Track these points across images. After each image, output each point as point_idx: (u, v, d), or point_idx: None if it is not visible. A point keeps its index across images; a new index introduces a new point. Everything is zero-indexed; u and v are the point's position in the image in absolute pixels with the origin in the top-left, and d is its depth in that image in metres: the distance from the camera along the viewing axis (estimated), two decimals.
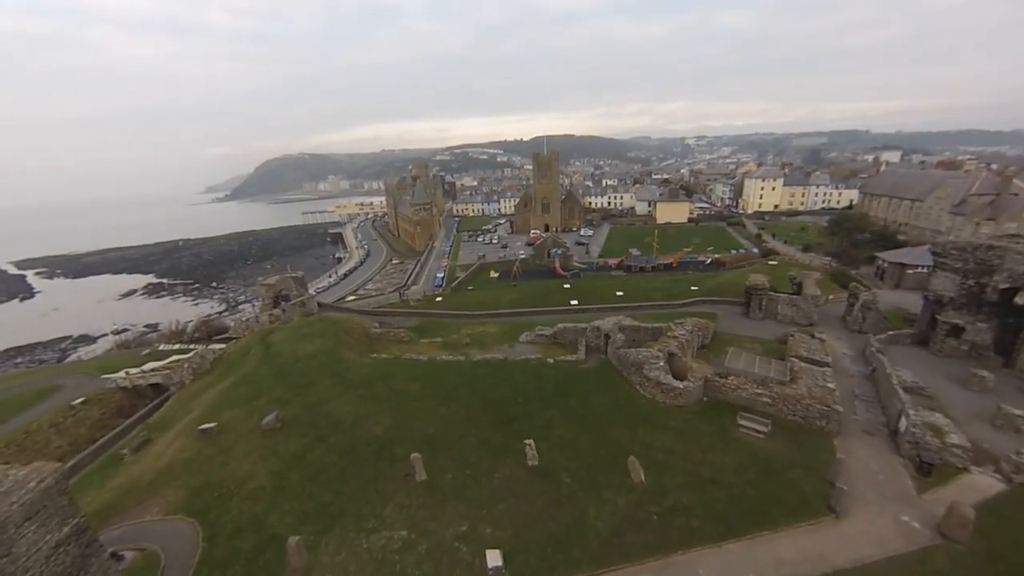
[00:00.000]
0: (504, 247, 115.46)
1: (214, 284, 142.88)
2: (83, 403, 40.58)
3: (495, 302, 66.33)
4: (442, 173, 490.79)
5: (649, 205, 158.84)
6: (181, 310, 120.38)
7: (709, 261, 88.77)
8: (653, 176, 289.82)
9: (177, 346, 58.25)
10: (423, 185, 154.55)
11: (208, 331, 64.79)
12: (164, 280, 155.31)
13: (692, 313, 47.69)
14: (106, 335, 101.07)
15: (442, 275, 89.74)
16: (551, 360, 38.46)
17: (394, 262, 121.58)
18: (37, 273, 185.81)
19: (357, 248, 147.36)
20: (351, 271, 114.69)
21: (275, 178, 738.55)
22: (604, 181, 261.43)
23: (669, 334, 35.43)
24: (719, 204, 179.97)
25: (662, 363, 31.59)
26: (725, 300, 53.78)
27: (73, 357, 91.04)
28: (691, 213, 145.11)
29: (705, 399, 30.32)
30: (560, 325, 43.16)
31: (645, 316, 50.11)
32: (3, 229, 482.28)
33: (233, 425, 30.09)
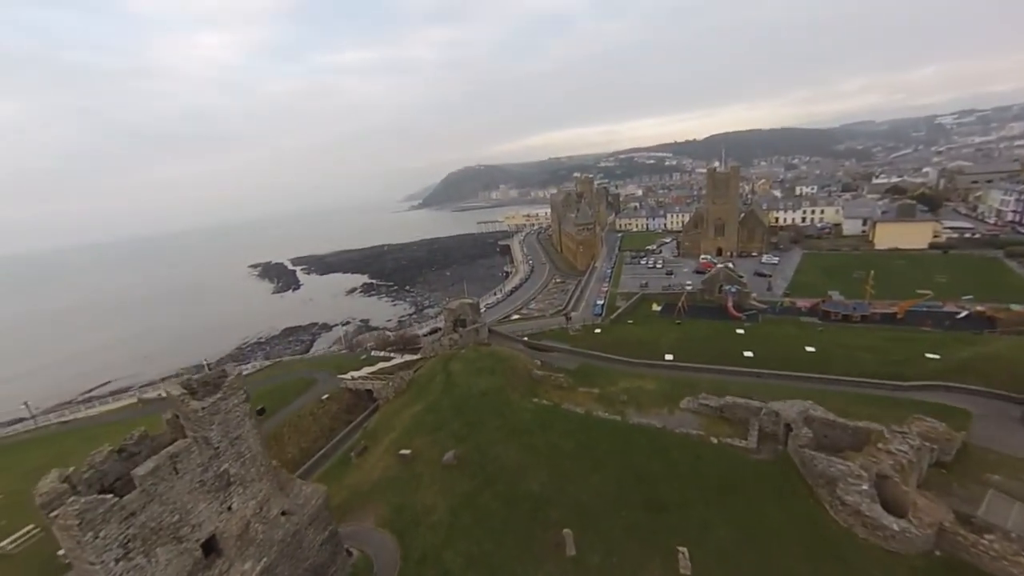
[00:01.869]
0: (669, 274, 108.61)
1: (407, 288, 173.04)
2: (327, 398, 54.91)
3: (656, 341, 63.64)
4: (605, 181, 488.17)
5: (864, 224, 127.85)
6: (384, 308, 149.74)
7: (964, 315, 65.41)
8: (875, 180, 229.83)
9: (383, 353, 73.07)
10: (587, 203, 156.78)
11: (404, 342, 79.27)
12: (374, 281, 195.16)
13: (924, 405, 37.22)
14: (338, 325, 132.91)
15: (602, 303, 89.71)
16: (715, 440, 35.39)
17: (556, 280, 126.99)
18: (303, 269, 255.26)
19: (522, 262, 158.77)
20: (516, 288, 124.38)
21: (457, 188, 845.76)
22: (799, 189, 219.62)
23: (882, 446, 28.59)
24: (993, 221, 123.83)
25: (867, 486, 25.90)
26: (989, 390, 39.78)
27: (319, 341, 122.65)
28: (936, 236, 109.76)
29: (938, 553, 23.61)
30: (728, 398, 39.11)
31: (846, 398, 41.41)
32: (278, 231, 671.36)
33: (422, 453, 36.73)
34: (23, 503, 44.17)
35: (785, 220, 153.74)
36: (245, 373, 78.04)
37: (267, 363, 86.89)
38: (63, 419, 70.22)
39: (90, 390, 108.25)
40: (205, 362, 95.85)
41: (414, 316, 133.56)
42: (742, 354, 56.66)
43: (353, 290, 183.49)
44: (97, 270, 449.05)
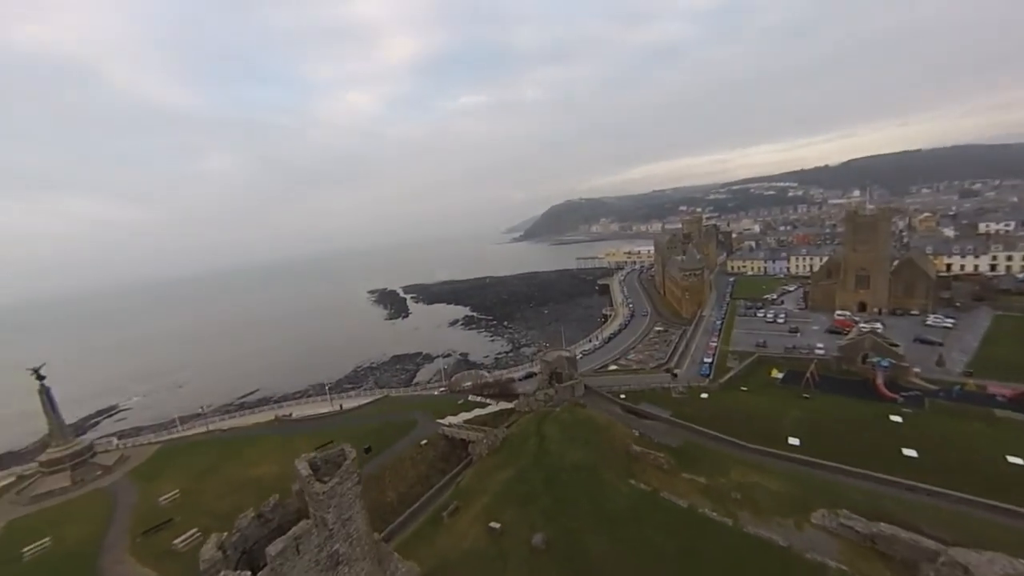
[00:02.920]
0: (794, 331, 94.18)
1: (506, 323, 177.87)
2: (425, 444, 57.73)
3: (777, 419, 55.26)
4: (715, 215, 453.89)
5: None
6: (482, 343, 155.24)
7: None
8: None
9: (479, 398, 75.07)
10: (695, 246, 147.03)
11: (500, 389, 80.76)
12: (475, 314, 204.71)
13: None
14: (439, 357, 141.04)
15: (710, 361, 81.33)
16: None
17: (657, 329, 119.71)
18: (412, 298, 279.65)
19: (622, 305, 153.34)
20: (614, 334, 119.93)
21: (557, 220, 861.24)
22: (983, 225, 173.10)
23: None
24: None
25: None
26: None
27: (422, 372, 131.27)
28: None
29: None
30: (883, 525, 31.59)
31: None
32: (398, 257, 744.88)
33: (511, 528, 36.06)
34: (194, 502, 53.58)
35: (963, 268, 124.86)
36: (360, 404, 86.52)
37: (376, 395, 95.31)
38: (221, 428, 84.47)
39: (243, 396, 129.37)
40: (287, 415, 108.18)
41: (511, 354, 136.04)
42: (899, 453, 45.96)
43: (455, 322, 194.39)
44: (257, 287, 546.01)
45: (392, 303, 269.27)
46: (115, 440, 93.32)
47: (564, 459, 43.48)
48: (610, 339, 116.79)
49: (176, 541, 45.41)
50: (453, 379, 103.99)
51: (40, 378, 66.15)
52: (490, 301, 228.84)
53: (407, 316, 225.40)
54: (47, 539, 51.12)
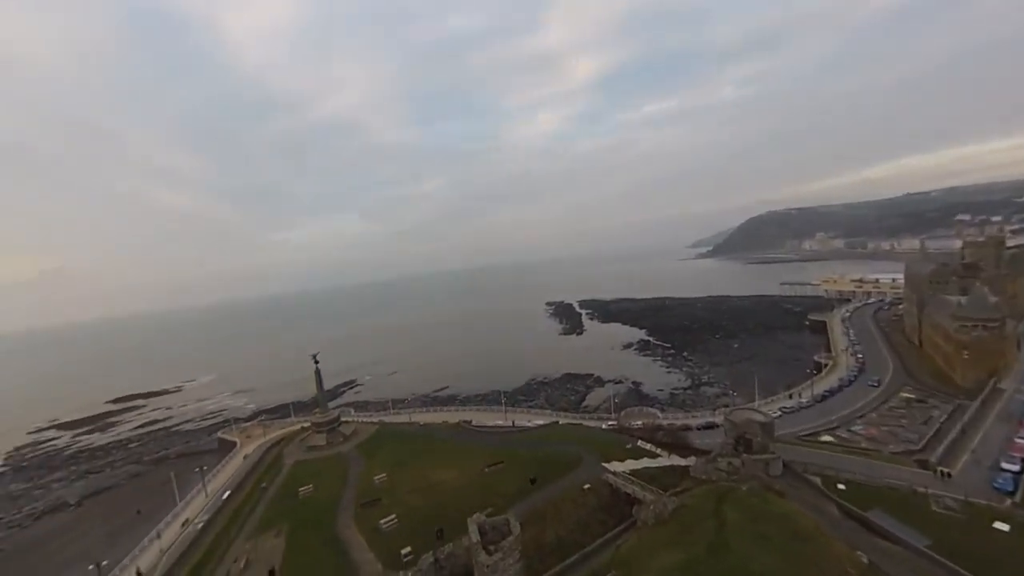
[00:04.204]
0: None
1: (685, 354, 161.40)
2: (588, 489, 56.31)
3: None
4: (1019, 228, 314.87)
5: None
6: (657, 374, 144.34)
7: None
8: None
9: (648, 446, 69.42)
10: (987, 282, 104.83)
11: (673, 438, 73.10)
12: (651, 339, 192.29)
13: None
14: (610, 383, 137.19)
15: (1016, 468, 54.49)
16: None
17: (906, 395, 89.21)
18: (588, 314, 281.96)
19: (846, 352, 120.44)
20: (832, 392, 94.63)
21: (757, 234, 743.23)
22: None
23: None
24: None
25: None
26: None
27: (591, 395, 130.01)
28: None
29: None
30: None
31: None
32: (576, 272, 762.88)
33: None
34: (394, 490, 65.01)
35: None
36: (530, 424, 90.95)
37: (547, 417, 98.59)
38: (418, 421, 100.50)
39: (436, 390, 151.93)
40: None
41: (688, 392, 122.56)
42: None
43: (630, 345, 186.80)
44: (450, 293, 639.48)
45: (568, 318, 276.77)
46: (352, 411, 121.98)
47: (750, 567, 35.72)
48: (825, 397, 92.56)
49: (382, 521, 55.59)
50: (623, 413, 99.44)
51: (316, 361, 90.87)
52: (668, 326, 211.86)
53: (581, 333, 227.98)
54: (311, 485, 69.39)
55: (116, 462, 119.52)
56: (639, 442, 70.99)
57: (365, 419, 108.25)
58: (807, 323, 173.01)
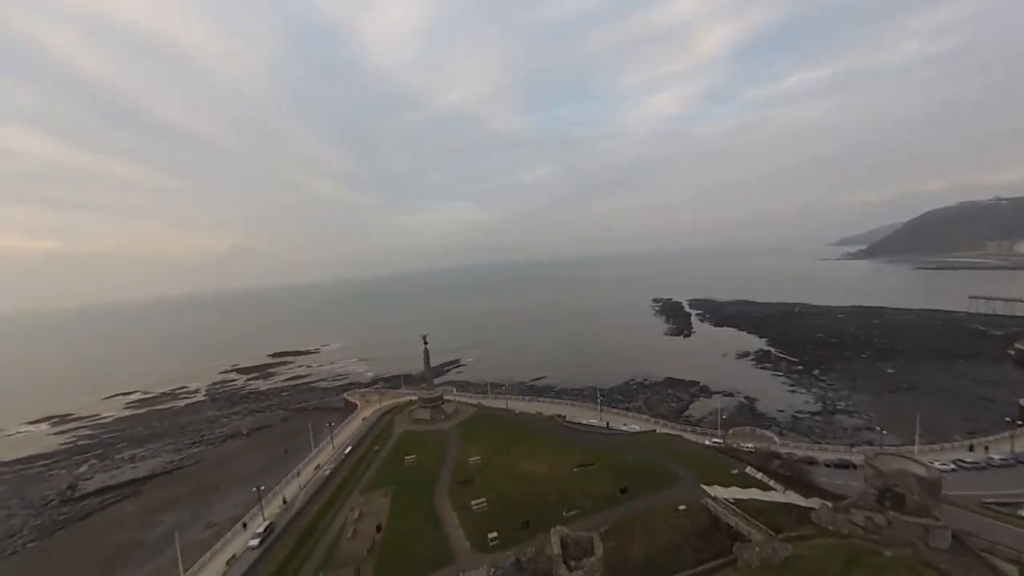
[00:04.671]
0: None
1: (817, 372, 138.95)
2: (683, 510, 52.23)
3: None
4: None
5: None
6: (778, 391, 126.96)
7: None
8: None
9: (760, 475, 61.65)
10: None
11: (793, 471, 63.80)
12: (773, 350, 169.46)
13: None
14: (719, 394, 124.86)
15: None
16: None
17: None
18: (698, 315, 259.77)
19: None
20: None
21: (934, 232, 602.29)
22: None
23: None
24: None
25: None
26: None
27: (695, 405, 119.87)
28: None
29: None
30: None
31: None
32: (687, 267, 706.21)
33: None
34: (487, 474, 68.31)
35: None
36: (625, 428, 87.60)
37: (643, 424, 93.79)
38: (513, 409, 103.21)
39: (533, 379, 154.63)
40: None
41: (818, 419, 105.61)
42: None
43: (745, 355, 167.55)
44: (554, 280, 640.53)
45: (675, 317, 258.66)
46: (453, 390, 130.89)
47: None
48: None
49: (473, 502, 58.87)
50: (731, 431, 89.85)
51: (425, 342, 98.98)
52: (797, 337, 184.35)
53: (689, 335, 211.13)
54: (414, 456, 76.41)
55: (272, 406, 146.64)
56: (748, 468, 63.49)
57: (465, 399, 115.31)
58: (1011, 352, 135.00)
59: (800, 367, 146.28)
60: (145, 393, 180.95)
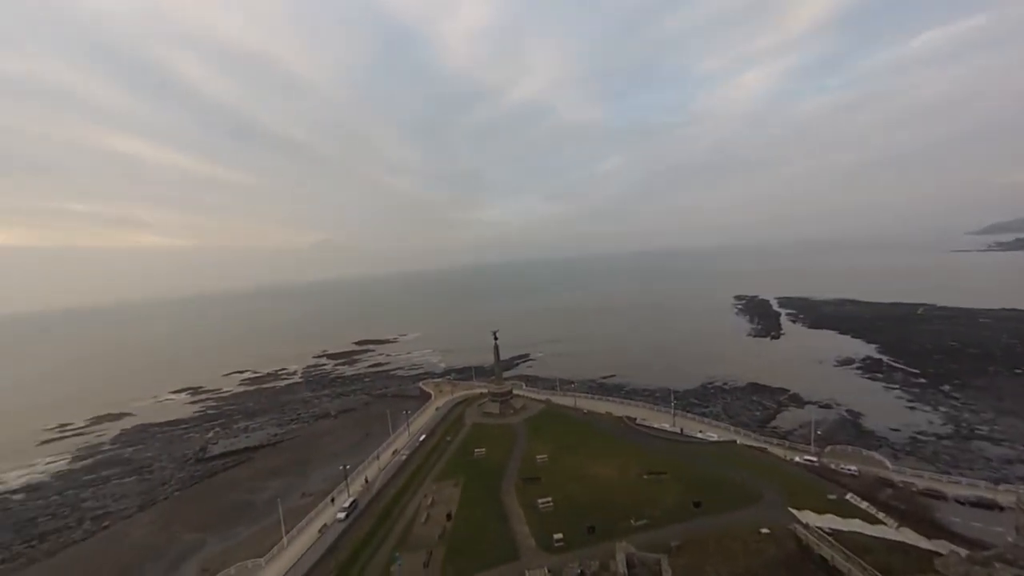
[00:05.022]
0: None
1: (946, 388, 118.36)
2: (766, 534, 47.73)
3: None
4: None
5: None
6: (890, 406, 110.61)
7: None
8: None
9: (864, 504, 54.32)
10: None
11: (911, 505, 55.28)
12: (884, 358, 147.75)
13: None
14: (813, 404, 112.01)
15: None
16: None
17: None
18: (788, 315, 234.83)
19: None
20: None
21: None
22: None
23: None
24: None
25: None
26: None
27: (783, 415, 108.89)
28: None
29: None
30: None
31: None
32: (777, 262, 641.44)
33: None
34: (552, 472, 68.35)
35: None
36: (702, 435, 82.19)
37: (722, 433, 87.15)
38: (581, 408, 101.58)
39: (603, 377, 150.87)
40: None
41: (946, 443, 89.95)
42: None
43: (848, 362, 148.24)
44: (621, 276, 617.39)
45: (762, 317, 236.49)
46: (523, 385, 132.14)
47: None
48: None
49: (539, 500, 59.16)
50: (828, 449, 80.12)
51: (496, 338, 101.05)
52: (917, 343, 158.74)
53: (777, 337, 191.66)
54: (483, 449, 78.64)
55: (356, 391, 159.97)
56: (849, 495, 56.25)
57: (533, 395, 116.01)
58: None
59: (923, 380, 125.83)
60: (254, 372, 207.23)
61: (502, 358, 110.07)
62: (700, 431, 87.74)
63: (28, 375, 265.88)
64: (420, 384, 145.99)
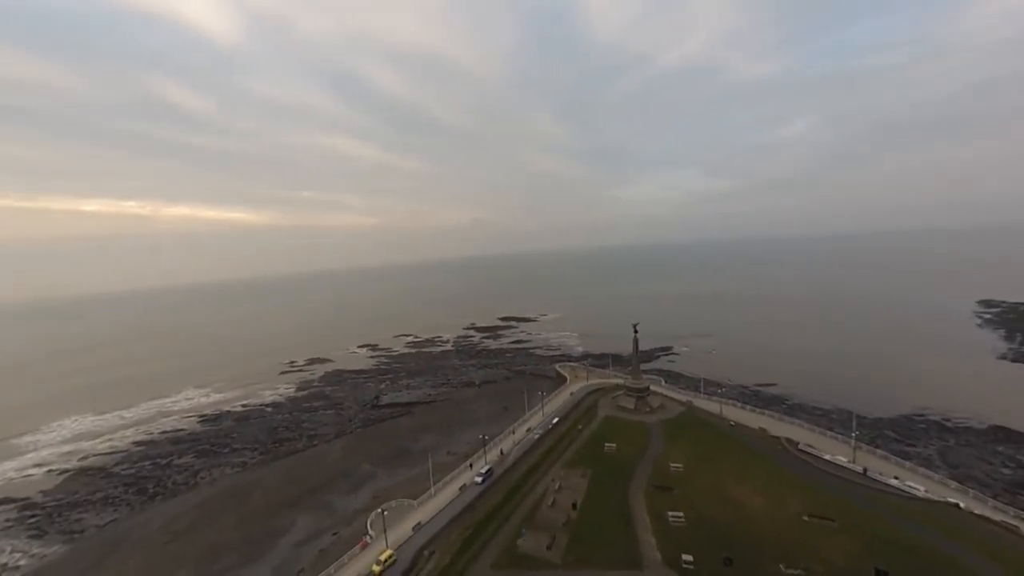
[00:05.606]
0: None
1: None
2: None
3: None
4: None
5: None
6: None
7: None
8: None
9: None
10: None
11: None
12: None
13: None
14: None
15: None
16: None
17: None
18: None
19: None
20: None
21: None
22: None
23: None
24: None
25: None
26: None
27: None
28: None
29: None
30: None
31: None
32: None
33: None
34: (688, 485, 63.21)
35: None
36: (897, 482, 65.48)
37: (933, 487, 67.34)
38: (729, 418, 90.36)
39: (759, 384, 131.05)
40: None
41: None
42: None
43: None
44: (802, 262, 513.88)
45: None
46: (662, 381, 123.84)
47: None
48: None
49: (669, 512, 55.56)
50: None
51: (635, 331, 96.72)
52: None
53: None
54: (614, 444, 77.17)
55: (497, 364, 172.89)
56: None
57: (673, 394, 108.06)
58: None
59: None
60: (416, 337, 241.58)
61: (642, 349, 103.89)
62: (895, 477, 69.12)
63: (282, 325, 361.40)
64: (556, 366, 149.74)
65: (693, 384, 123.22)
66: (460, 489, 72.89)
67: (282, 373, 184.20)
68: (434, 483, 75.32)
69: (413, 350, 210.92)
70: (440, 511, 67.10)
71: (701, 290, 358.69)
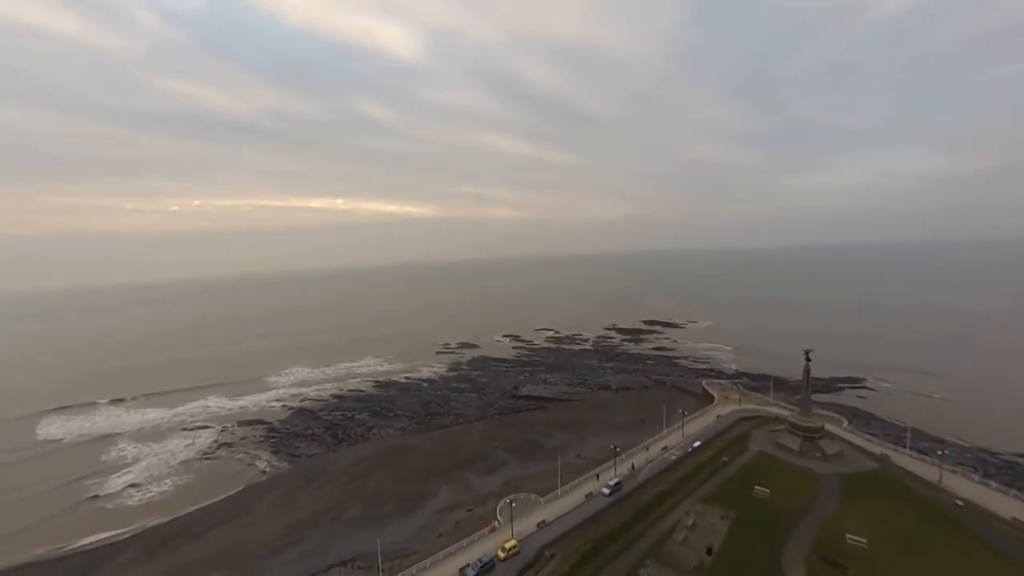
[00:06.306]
0: None
1: None
2: None
3: None
4: None
5: None
6: None
7: None
8: None
9: None
10: None
11: None
12: None
13: None
14: None
15: None
16: None
17: None
18: None
19: None
20: None
21: None
22: None
23: None
24: None
25: None
26: None
27: None
28: None
29: None
30: None
31: None
32: None
33: None
34: (879, 567, 50.29)
35: None
36: None
37: None
38: (959, 496, 68.00)
39: (1015, 453, 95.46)
40: None
41: None
42: None
43: None
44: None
45: None
46: (844, 422, 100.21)
47: None
48: None
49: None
50: None
51: (808, 359, 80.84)
52: None
53: None
54: (767, 489, 66.38)
55: (637, 371, 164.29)
56: None
57: (860, 441, 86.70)
58: None
59: None
60: (556, 332, 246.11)
61: (822, 376, 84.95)
62: None
63: (437, 308, 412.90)
64: (703, 382, 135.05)
65: (895, 433, 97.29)
66: (586, 497, 72.26)
67: (437, 353, 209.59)
68: (561, 484, 76.28)
69: (553, 345, 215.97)
70: (564, 514, 67.70)
71: (922, 308, 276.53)
